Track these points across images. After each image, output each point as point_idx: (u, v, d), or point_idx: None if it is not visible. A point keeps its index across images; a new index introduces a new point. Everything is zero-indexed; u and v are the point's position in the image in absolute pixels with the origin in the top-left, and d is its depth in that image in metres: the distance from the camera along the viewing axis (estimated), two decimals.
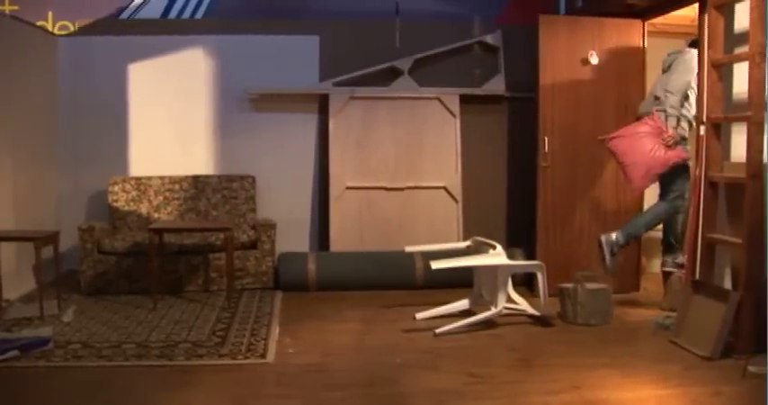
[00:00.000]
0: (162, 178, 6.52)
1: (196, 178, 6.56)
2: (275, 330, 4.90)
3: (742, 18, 4.73)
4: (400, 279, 6.22)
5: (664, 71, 5.71)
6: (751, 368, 4.05)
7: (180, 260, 6.04)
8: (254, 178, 6.64)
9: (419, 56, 6.81)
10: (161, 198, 6.48)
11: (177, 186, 6.51)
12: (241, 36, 6.73)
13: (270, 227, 6.26)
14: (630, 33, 6.09)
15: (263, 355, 4.34)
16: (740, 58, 4.69)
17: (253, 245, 6.21)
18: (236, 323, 5.08)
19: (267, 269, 6.21)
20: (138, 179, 6.51)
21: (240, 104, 6.78)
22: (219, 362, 4.23)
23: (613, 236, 5.43)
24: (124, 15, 6.70)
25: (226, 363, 4.22)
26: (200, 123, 6.78)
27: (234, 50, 6.75)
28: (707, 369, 4.17)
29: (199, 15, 6.75)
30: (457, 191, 6.79)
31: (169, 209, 6.47)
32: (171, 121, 6.73)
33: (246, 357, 4.30)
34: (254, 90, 6.72)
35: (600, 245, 5.45)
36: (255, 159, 6.77)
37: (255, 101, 6.77)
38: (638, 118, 5.62)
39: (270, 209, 6.68)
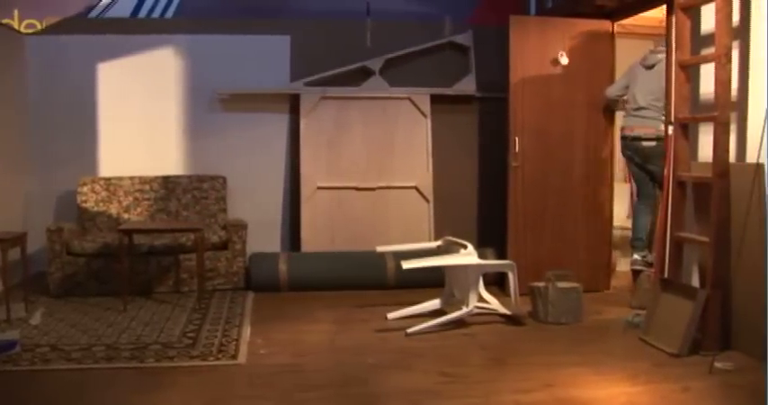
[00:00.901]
0: (132, 179, 6.47)
1: (166, 179, 6.52)
2: (247, 331, 4.88)
3: (708, 20, 4.80)
4: (372, 279, 6.22)
5: (647, 68, 5.75)
6: (718, 364, 4.11)
7: (150, 261, 6.00)
8: (224, 178, 6.61)
9: (390, 56, 6.83)
10: (131, 199, 6.43)
11: (147, 187, 6.47)
12: (211, 36, 6.70)
13: (241, 227, 6.23)
14: (600, 34, 6.14)
15: (234, 357, 4.32)
16: (707, 60, 4.75)
17: (224, 245, 6.18)
18: (208, 324, 5.05)
19: (238, 270, 6.19)
20: (107, 180, 6.46)
21: (211, 104, 6.74)
22: (191, 363, 4.20)
23: (637, 256, 5.55)
24: (93, 14, 6.64)
25: (197, 364, 4.19)
26: (171, 123, 6.73)
27: (204, 50, 6.72)
28: (675, 366, 4.22)
29: (169, 14, 6.70)
30: (428, 191, 6.81)
31: (139, 209, 6.42)
32: (141, 121, 6.68)
33: (218, 359, 4.28)
34: (225, 90, 6.69)
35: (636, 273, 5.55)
36: (226, 159, 6.74)
37: (226, 101, 6.74)
38: (606, 109, 5.86)
39: (241, 209, 6.66)
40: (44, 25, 6.61)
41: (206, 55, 6.72)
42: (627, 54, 6.85)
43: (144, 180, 6.48)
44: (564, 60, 6.04)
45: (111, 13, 6.64)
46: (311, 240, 6.61)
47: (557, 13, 6.35)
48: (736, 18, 4.57)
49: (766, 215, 4.26)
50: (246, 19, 6.73)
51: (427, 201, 6.80)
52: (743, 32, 4.59)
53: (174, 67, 6.71)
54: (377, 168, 6.78)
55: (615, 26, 6.19)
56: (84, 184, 6.38)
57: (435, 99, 6.88)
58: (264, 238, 6.68)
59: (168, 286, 6.05)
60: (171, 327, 4.96)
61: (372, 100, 6.79)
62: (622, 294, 6.00)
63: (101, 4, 6.62)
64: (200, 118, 6.74)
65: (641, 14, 5.95)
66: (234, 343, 4.59)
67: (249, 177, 6.78)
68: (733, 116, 4.58)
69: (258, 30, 6.74)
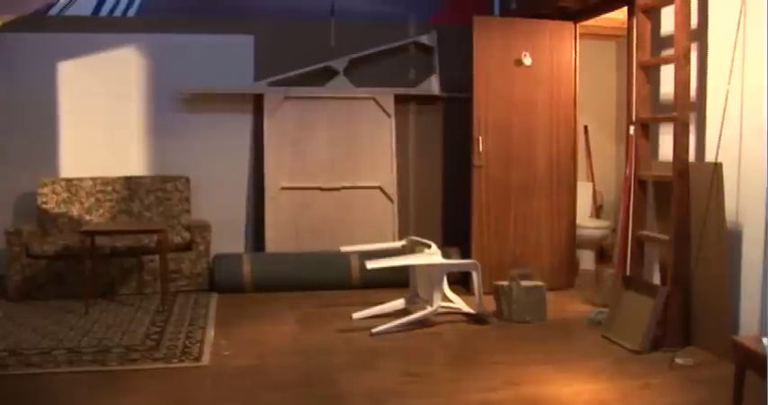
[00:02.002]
0: (93, 179, 6.39)
1: (129, 179, 6.45)
2: (211, 333, 4.85)
3: (668, 22, 4.87)
4: (336, 279, 6.22)
5: None
6: (678, 360, 4.18)
7: (112, 263, 5.94)
8: (188, 179, 6.55)
9: (354, 56, 6.82)
10: (93, 200, 6.35)
11: (109, 188, 6.39)
12: (174, 35, 6.63)
13: (204, 228, 6.19)
14: (563, 35, 6.20)
15: (198, 358, 4.29)
16: (666, 61, 4.83)
17: (187, 246, 6.14)
18: (171, 326, 5.01)
19: (202, 271, 6.15)
20: (68, 180, 6.36)
21: (174, 104, 6.68)
22: (154, 366, 4.16)
23: None
24: (53, 12, 6.52)
25: (160, 367, 4.15)
26: (133, 123, 6.65)
27: (167, 49, 6.65)
28: (637, 362, 4.28)
29: (131, 13, 6.62)
30: (392, 190, 6.81)
31: (101, 211, 6.35)
32: (102, 120, 6.59)
33: (182, 361, 4.24)
34: (188, 90, 6.63)
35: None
36: (189, 160, 6.68)
37: (189, 101, 6.68)
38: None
39: (204, 210, 6.61)
40: (1, 23, 6.49)
41: (168, 54, 6.65)
42: (589, 55, 6.95)
43: (106, 181, 6.41)
44: (527, 61, 6.08)
45: (72, 11, 6.53)
46: (275, 241, 6.59)
47: (520, 14, 6.39)
48: (694, 20, 4.64)
49: (725, 213, 4.33)
50: (210, 18, 6.68)
51: (391, 201, 6.81)
52: (701, 34, 4.68)
53: (137, 67, 6.64)
54: (341, 168, 6.77)
55: (578, 27, 6.25)
56: (45, 185, 6.29)
57: (399, 99, 6.90)
58: (228, 238, 6.64)
59: (131, 288, 5.99)
60: (134, 329, 4.91)
61: (336, 100, 6.78)
62: (585, 292, 6.06)
63: (60, 2, 6.52)
64: (163, 118, 6.68)
65: (603, 16, 6.01)
66: (198, 345, 4.55)
67: (213, 178, 6.73)
68: (692, 116, 4.65)
69: (221, 29, 6.69)
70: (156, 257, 5.89)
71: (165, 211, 6.43)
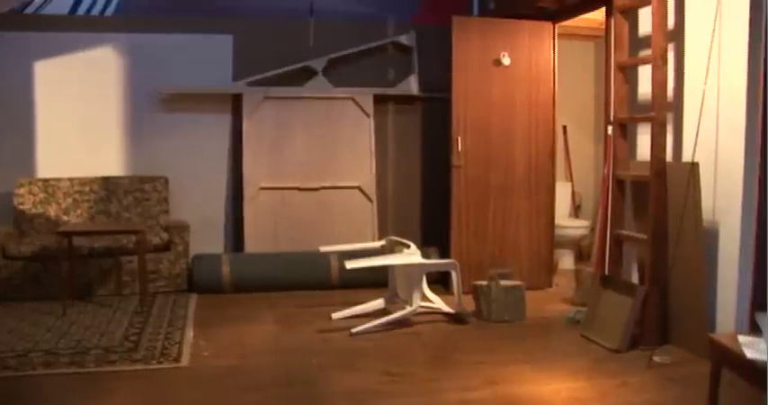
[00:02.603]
0: (71, 180, 6.34)
1: (106, 179, 6.40)
2: (190, 333, 4.83)
3: (645, 23, 4.91)
4: (316, 279, 6.21)
5: None
6: (656, 358, 4.22)
7: (90, 264, 5.89)
8: (166, 179, 6.52)
9: (333, 56, 6.81)
10: (70, 200, 6.30)
11: (87, 188, 6.34)
12: (152, 34, 6.59)
13: (183, 228, 6.17)
14: (541, 35, 6.22)
15: (177, 359, 4.27)
16: (644, 61, 4.86)
17: (166, 247, 6.10)
18: (150, 327, 4.98)
19: (181, 271, 6.12)
20: (45, 181, 6.31)
21: (152, 104, 6.64)
22: (133, 367, 4.13)
23: None
24: (29, 10, 6.46)
25: (139, 368, 4.13)
26: (111, 123, 6.60)
27: (145, 49, 6.60)
28: (615, 361, 4.31)
29: (109, 12, 6.57)
30: (371, 191, 6.81)
31: (79, 211, 6.30)
32: (80, 120, 6.53)
33: (160, 362, 4.22)
34: (167, 89, 6.59)
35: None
36: (168, 160, 6.64)
37: (168, 100, 6.64)
38: None
39: (183, 210, 6.58)
40: None
41: (147, 54, 6.61)
42: (568, 55, 6.98)
43: (83, 181, 6.36)
44: (506, 61, 6.11)
45: (49, 10, 6.47)
46: (254, 241, 6.57)
47: (499, 14, 6.41)
48: (671, 21, 4.68)
49: (702, 212, 4.37)
50: (188, 18, 6.64)
51: (371, 201, 6.80)
52: (678, 35, 4.71)
53: (115, 66, 6.59)
54: (320, 168, 6.76)
55: (556, 28, 6.28)
56: (22, 185, 6.23)
57: (378, 99, 6.89)
58: (207, 239, 6.61)
59: (109, 289, 5.95)
60: (112, 330, 4.88)
61: (315, 100, 6.76)
62: (564, 292, 6.09)
63: (36, 0, 6.45)
64: (142, 118, 6.63)
65: (581, 16, 6.04)
66: (177, 346, 4.53)
67: (191, 178, 6.69)
68: (669, 116, 4.69)
69: (200, 29, 6.66)
70: (135, 258, 5.85)
71: (143, 211, 6.39)
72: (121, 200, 6.38)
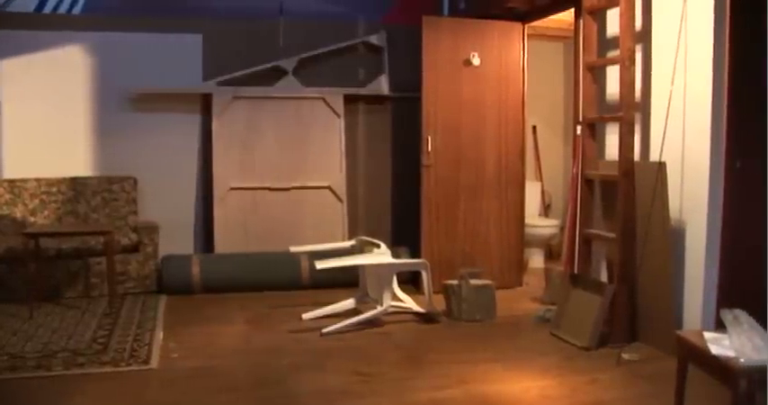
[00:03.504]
0: (38, 180, 6.26)
1: (74, 180, 6.33)
2: (159, 335, 4.79)
3: (613, 24, 4.95)
4: (286, 279, 6.19)
5: None
6: (625, 356, 4.27)
7: (58, 265, 5.82)
8: (135, 180, 6.46)
9: (303, 56, 6.79)
10: (37, 201, 6.22)
11: (54, 189, 6.27)
12: (121, 33, 6.52)
13: (152, 229, 6.12)
14: (511, 36, 6.26)
15: (146, 361, 4.23)
16: (612, 62, 4.91)
17: (135, 248, 6.05)
18: (119, 329, 4.94)
19: (150, 272, 6.07)
20: (11, 181, 6.22)
21: (121, 104, 6.57)
22: (101, 370, 4.09)
23: None
24: None
25: (108, 370, 4.08)
26: (79, 123, 6.53)
27: (113, 48, 6.53)
28: (584, 358, 4.35)
29: (76, 11, 6.50)
30: (341, 191, 6.80)
31: (46, 212, 6.22)
32: (47, 120, 6.44)
33: (129, 364, 4.18)
34: (135, 89, 6.53)
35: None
36: (137, 160, 6.58)
37: (137, 100, 6.58)
38: None
39: (152, 211, 6.52)
40: None
41: (115, 53, 6.54)
42: (538, 56, 7.02)
43: (51, 182, 6.28)
44: (476, 61, 6.13)
45: (14, 8, 6.38)
46: (224, 241, 6.53)
47: (469, 14, 6.43)
48: (639, 23, 4.73)
49: (669, 211, 4.42)
50: (157, 17, 6.58)
51: (341, 200, 6.79)
52: (645, 36, 4.76)
53: (82, 66, 6.51)
54: (290, 168, 6.74)
55: (526, 28, 6.31)
56: None
57: (349, 99, 6.89)
58: (177, 239, 6.55)
59: (77, 291, 5.89)
60: (80, 333, 4.83)
61: (285, 100, 6.74)
62: (534, 291, 6.13)
63: None
64: (110, 118, 6.56)
65: (551, 17, 6.08)
66: (146, 347, 4.50)
67: (161, 178, 6.64)
68: (637, 116, 4.74)
69: (169, 28, 6.60)
70: (103, 259, 5.79)
71: (111, 212, 6.33)
72: (89, 201, 6.31)
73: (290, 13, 6.71)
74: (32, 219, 6.17)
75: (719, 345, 2.91)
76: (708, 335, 3.05)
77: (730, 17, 4.14)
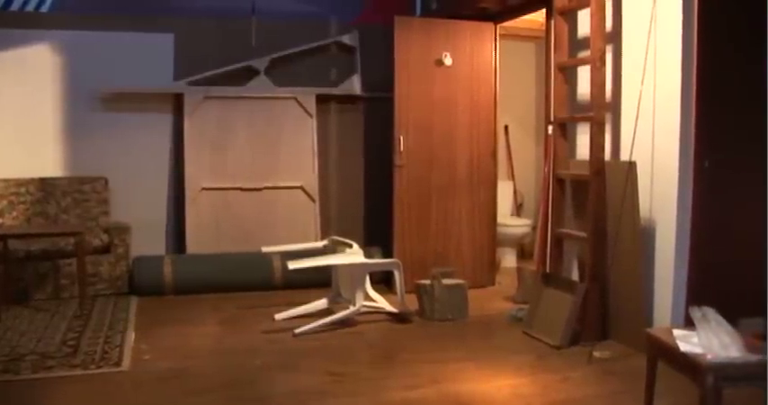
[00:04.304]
0: (6, 181, 6.18)
1: (44, 180, 6.26)
2: (131, 337, 4.75)
3: (584, 24, 4.98)
4: (259, 280, 6.17)
5: None
6: (596, 354, 4.30)
7: (27, 267, 5.75)
8: (106, 180, 6.41)
9: (275, 55, 6.77)
10: (5, 202, 6.14)
11: (23, 189, 6.19)
12: (91, 32, 6.45)
13: (123, 230, 6.07)
14: (483, 36, 6.28)
15: (117, 364, 4.19)
16: (583, 62, 4.94)
17: (106, 249, 6.00)
18: (89, 331, 4.89)
19: (121, 274, 6.02)
20: None
21: (91, 104, 6.51)
22: (71, 373, 4.04)
23: None
24: None
25: (78, 373, 4.04)
26: (48, 123, 6.45)
27: (84, 47, 6.47)
28: (557, 357, 4.38)
29: (44, 9, 6.42)
30: (314, 191, 6.79)
31: (14, 213, 6.15)
32: (15, 120, 6.36)
33: (100, 366, 4.14)
34: (106, 89, 6.47)
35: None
36: (108, 160, 6.52)
37: (107, 100, 6.52)
38: None
39: (124, 211, 6.46)
40: None
41: (86, 52, 6.47)
42: (510, 56, 7.05)
43: (20, 182, 6.20)
44: (448, 61, 6.15)
45: None
46: (196, 242, 6.50)
47: (441, 14, 6.44)
48: (609, 23, 4.77)
49: (639, 211, 4.46)
50: (128, 16, 6.53)
51: (313, 200, 6.78)
52: (616, 37, 4.80)
53: (52, 65, 6.44)
54: (262, 169, 6.72)
55: (498, 28, 6.34)
56: None
57: (321, 99, 6.88)
58: (148, 240, 6.51)
59: (47, 293, 5.82)
60: (50, 335, 4.77)
61: (257, 100, 6.72)
62: (507, 290, 6.16)
63: None
64: (81, 117, 6.50)
65: (522, 17, 6.12)
66: (117, 349, 4.45)
67: (132, 179, 6.58)
68: (608, 116, 4.78)
69: (140, 27, 6.55)
70: (74, 261, 5.74)
71: (82, 213, 6.28)
72: (60, 201, 6.25)
73: (262, 12, 6.69)
74: (0, 220, 6.09)
75: (688, 342, 2.94)
76: (677, 332, 3.09)
77: (698, 18, 4.19)
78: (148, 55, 6.60)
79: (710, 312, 2.90)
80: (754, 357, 2.78)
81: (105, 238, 6.03)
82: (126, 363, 4.21)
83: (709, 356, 2.78)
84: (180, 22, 6.65)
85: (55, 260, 5.82)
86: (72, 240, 5.64)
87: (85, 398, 3.71)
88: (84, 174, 6.44)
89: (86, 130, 6.50)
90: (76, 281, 5.73)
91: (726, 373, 2.76)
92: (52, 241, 5.77)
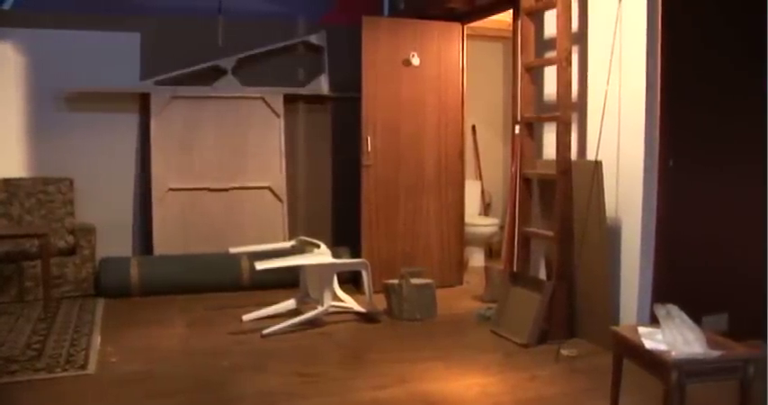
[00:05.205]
0: None
1: (7, 181, 6.17)
2: (97, 339, 4.70)
3: (551, 25, 5.02)
4: (226, 281, 6.14)
5: None
6: (563, 352, 4.33)
7: None
8: (71, 181, 6.33)
9: (243, 55, 6.73)
10: None
11: None
12: (56, 31, 6.36)
13: (89, 231, 6.01)
14: (450, 36, 6.30)
15: (83, 367, 4.14)
16: (549, 62, 4.97)
17: (71, 251, 5.93)
18: (54, 334, 4.82)
19: (87, 275, 5.96)
20: None
21: (56, 103, 6.42)
22: (35, 377, 3.98)
23: None
24: None
25: (42, 377, 3.98)
26: (12, 123, 6.35)
27: (48, 46, 6.37)
28: (524, 355, 4.41)
29: (6, 6, 6.32)
30: (281, 191, 6.77)
31: None
32: None
33: (65, 370, 4.09)
34: (71, 88, 6.40)
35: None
36: (73, 161, 6.44)
37: (73, 100, 6.45)
38: None
39: (90, 212, 6.39)
40: None
41: (50, 51, 6.38)
42: (477, 56, 7.09)
43: None
44: (415, 61, 6.16)
45: None
46: (164, 243, 6.44)
47: (409, 14, 6.45)
48: (575, 24, 4.81)
49: (605, 209, 4.50)
50: (94, 14, 6.45)
51: (281, 201, 6.76)
52: (582, 38, 4.85)
53: (14, 63, 6.34)
54: (230, 169, 6.68)
55: (465, 28, 6.36)
56: None
57: (288, 99, 6.86)
58: (115, 241, 6.44)
59: (10, 296, 5.74)
60: (13, 339, 4.70)
61: (225, 100, 6.68)
62: (475, 289, 6.18)
63: None
64: (45, 117, 6.41)
65: (490, 18, 6.14)
66: (83, 352, 4.41)
67: (98, 179, 6.51)
68: (574, 116, 4.81)
69: (106, 26, 6.47)
70: (38, 263, 5.66)
71: (47, 214, 6.20)
72: (23, 202, 6.16)
73: (229, 11, 6.65)
74: None
75: (653, 339, 2.97)
76: (642, 330, 3.12)
77: (662, 19, 4.25)
78: (114, 54, 6.53)
79: (674, 310, 2.94)
80: (716, 353, 2.82)
81: (71, 239, 5.96)
82: (92, 366, 4.16)
83: (673, 353, 2.81)
84: (146, 22, 6.59)
85: (19, 262, 5.74)
86: (36, 242, 5.57)
87: (50, 402, 3.66)
88: (49, 174, 6.35)
89: (51, 131, 6.42)
90: (41, 283, 5.64)
91: (689, 369, 2.80)
92: (16, 243, 5.69)
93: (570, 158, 4.70)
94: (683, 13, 4.27)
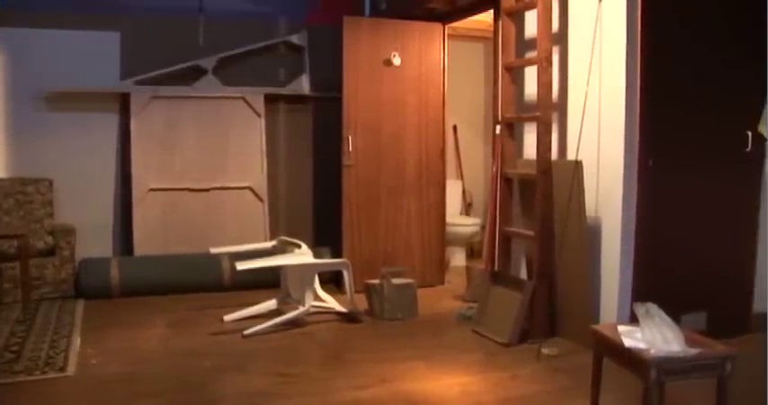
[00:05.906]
0: None
1: None
2: (77, 341, 4.67)
3: (531, 25, 5.04)
4: (207, 281, 6.12)
5: None
6: (544, 351, 4.35)
7: None
8: (51, 181, 6.28)
9: (223, 55, 6.71)
10: None
11: None
12: (34, 30, 6.31)
13: (69, 232, 5.96)
14: (432, 36, 6.31)
15: (63, 369, 4.11)
16: (530, 63, 4.99)
17: (51, 252, 5.89)
18: (33, 336, 4.78)
19: (67, 277, 5.91)
20: None
21: (35, 103, 6.37)
22: (13, 380, 3.94)
23: None
24: None
25: (21, 380, 3.94)
26: None
27: (27, 45, 6.32)
28: (506, 354, 4.43)
29: None
30: (262, 191, 6.75)
31: None
32: None
33: (44, 372, 4.05)
34: (51, 88, 6.35)
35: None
36: (53, 161, 6.39)
37: (52, 99, 6.40)
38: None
39: (69, 213, 6.35)
40: None
41: (29, 50, 6.33)
42: (458, 56, 7.10)
43: None
44: (396, 61, 6.17)
45: None
46: (144, 243, 6.41)
47: (390, 14, 6.46)
48: (556, 24, 4.83)
49: (585, 209, 4.52)
50: (74, 13, 6.40)
51: (262, 201, 6.74)
52: (562, 38, 4.87)
53: None
54: (211, 169, 6.65)
55: (446, 29, 6.38)
56: None
57: (269, 99, 6.84)
58: (95, 242, 6.40)
59: None
60: None
61: (205, 99, 6.65)
62: (456, 289, 6.20)
63: None
64: (24, 117, 6.36)
65: (471, 18, 6.16)
66: (63, 354, 4.37)
67: (77, 180, 6.47)
68: (554, 116, 4.84)
69: (86, 25, 6.42)
70: (17, 264, 5.61)
71: (26, 214, 6.15)
72: (1, 203, 6.10)
73: (209, 11, 6.63)
74: None
75: (632, 337, 2.99)
76: (621, 328, 3.14)
77: (642, 19, 4.27)
78: (94, 54, 6.49)
79: (654, 308, 2.96)
80: (694, 351, 2.84)
81: (50, 240, 5.92)
82: (71, 368, 4.13)
83: (652, 351, 2.83)
84: (126, 21, 6.55)
85: None
86: (15, 243, 5.51)
87: None
88: (28, 175, 6.30)
89: (30, 131, 6.37)
90: (20, 284, 5.59)
91: (668, 367, 2.82)
92: None
93: (550, 158, 4.72)
94: (662, 13, 4.29)
